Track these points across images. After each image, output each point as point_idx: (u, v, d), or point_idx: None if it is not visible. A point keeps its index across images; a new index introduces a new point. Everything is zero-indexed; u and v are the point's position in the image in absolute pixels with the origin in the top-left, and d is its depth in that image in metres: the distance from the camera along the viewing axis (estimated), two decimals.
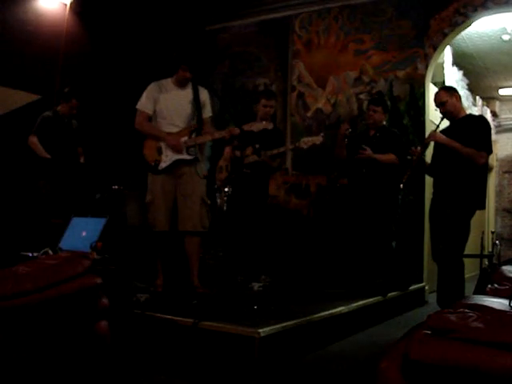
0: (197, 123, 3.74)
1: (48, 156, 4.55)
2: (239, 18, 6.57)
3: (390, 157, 4.34)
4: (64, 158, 4.66)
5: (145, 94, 3.77)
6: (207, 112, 3.84)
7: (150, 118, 3.79)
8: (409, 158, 4.00)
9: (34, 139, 4.58)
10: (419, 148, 3.92)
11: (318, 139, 4.23)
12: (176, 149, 3.66)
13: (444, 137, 3.77)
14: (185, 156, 3.67)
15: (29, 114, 4.81)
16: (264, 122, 3.75)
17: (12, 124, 4.80)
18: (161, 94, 3.74)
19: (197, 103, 3.75)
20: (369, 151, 4.33)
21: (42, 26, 5.19)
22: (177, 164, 3.69)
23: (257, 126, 3.66)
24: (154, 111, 3.76)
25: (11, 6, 4.95)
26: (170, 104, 3.73)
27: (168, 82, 3.79)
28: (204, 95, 3.83)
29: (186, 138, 3.68)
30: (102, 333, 2.32)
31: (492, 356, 1.42)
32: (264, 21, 6.42)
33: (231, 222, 4.35)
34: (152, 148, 3.73)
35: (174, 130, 3.72)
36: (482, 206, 3.83)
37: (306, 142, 4.23)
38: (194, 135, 3.70)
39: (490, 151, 3.71)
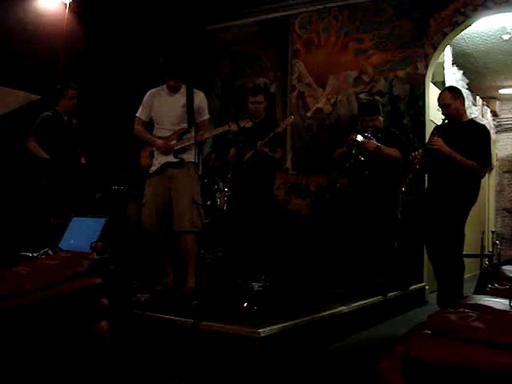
0: (187, 127, 3.81)
1: (46, 156, 4.53)
2: (239, 18, 6.57)
3: (395, 151, 4.33)
4: (64, 158, 4.65)
5: (142, 102, 3.92)
6: (202, 115, 3.90)
7: (149, 124, 3.91)
8: (411, 158, 3.96)
9: (32, 143, 4.55)
10: (420, 151, 3.90)
11: (289, 120, 4.78)
12: (164, 152, 3.77)
13: (447, 148, 3.75)
14: (172, 159, 3.77)
15: (29, 114, 4.80)
16: (241, 122, 3.76)
17: (12, 124, 4.79)
18: (155, 100, 3.87)
19: (189, 107, 3.81)
20: (374, 142, 4.32)
21: (41, 25, 5.19)
22: (166, 167, 3.79)
23: (235, 127, 3.74)
24: (152, 117, 3.89)
25: (11, 5, 4.95)
26: (161, 109, 3.85)
27: (163, 88, 3.90)
28: (198, 99, 3.87)
29: (174, 142, 3.78)
30: (102, 333, 2.32)
31: (492, 356, 1.42)
32: (264, 20, 6.42)
33: (231, 222, 4.35)
34: (147, 152, 3.95)
35: (167, 134, 3.83)
36: (474, 202, 3.88)
37: (283, 125, 4.55)
38: (183, 138, 3.79)
39: (490, 164, 3.82)
